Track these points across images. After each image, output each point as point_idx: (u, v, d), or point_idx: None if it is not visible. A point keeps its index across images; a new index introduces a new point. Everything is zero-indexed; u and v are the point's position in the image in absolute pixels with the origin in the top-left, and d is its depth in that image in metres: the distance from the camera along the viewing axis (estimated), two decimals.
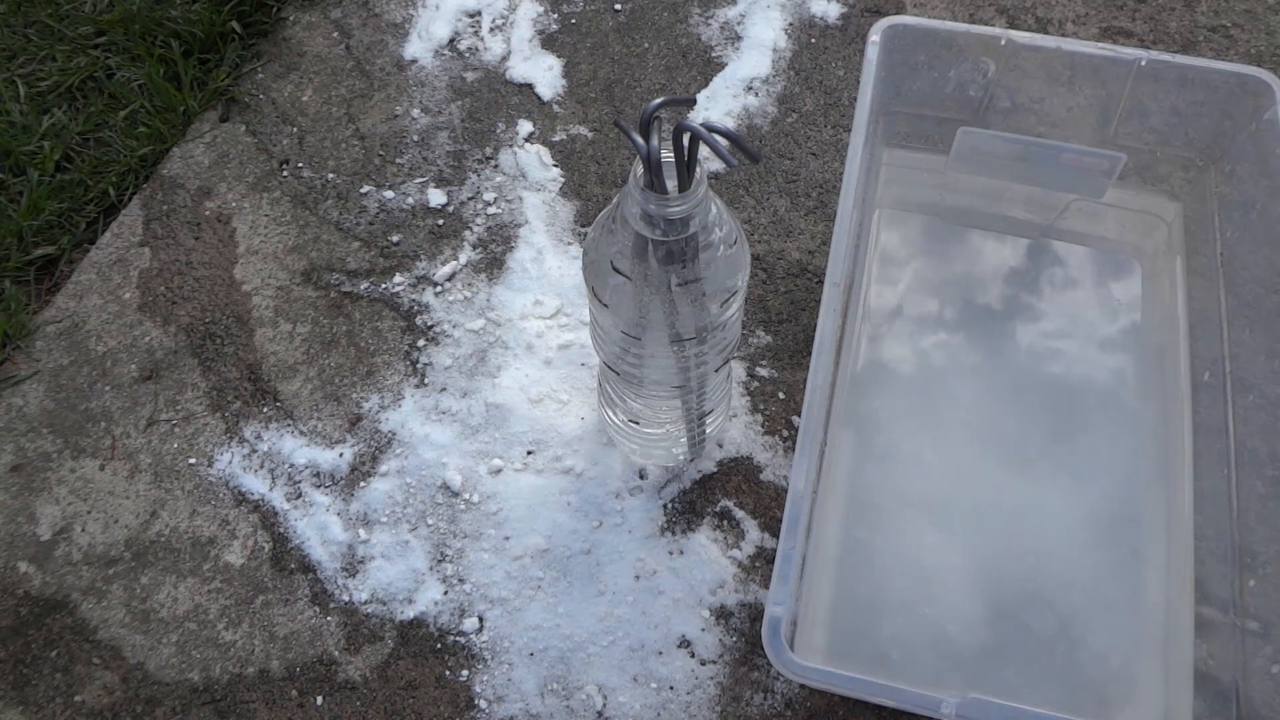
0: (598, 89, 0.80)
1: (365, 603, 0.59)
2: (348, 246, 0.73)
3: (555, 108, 0.80)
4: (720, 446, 0.63)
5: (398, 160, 0.77)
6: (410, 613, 0.59)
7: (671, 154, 0.40)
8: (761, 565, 0.60)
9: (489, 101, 0.80)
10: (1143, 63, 0.61)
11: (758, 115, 0.78)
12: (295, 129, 0.80)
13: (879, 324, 0.66)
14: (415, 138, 0.78)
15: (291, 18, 0.86)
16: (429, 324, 0.69)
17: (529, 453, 0.64)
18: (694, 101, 0.79)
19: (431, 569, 0.60)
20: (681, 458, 0.62)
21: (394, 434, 0.65)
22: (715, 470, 0.63)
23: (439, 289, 0.71)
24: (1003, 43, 0.62)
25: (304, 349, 0.69)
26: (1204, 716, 0.52)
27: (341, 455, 0.64)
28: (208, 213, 0.75)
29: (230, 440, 0.65)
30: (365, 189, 0.76)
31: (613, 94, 0.80)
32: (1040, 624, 0.56)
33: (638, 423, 0.58)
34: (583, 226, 0.73)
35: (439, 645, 0.58)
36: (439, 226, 0.74)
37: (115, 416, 0.67)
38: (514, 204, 0.74)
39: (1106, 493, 0.59)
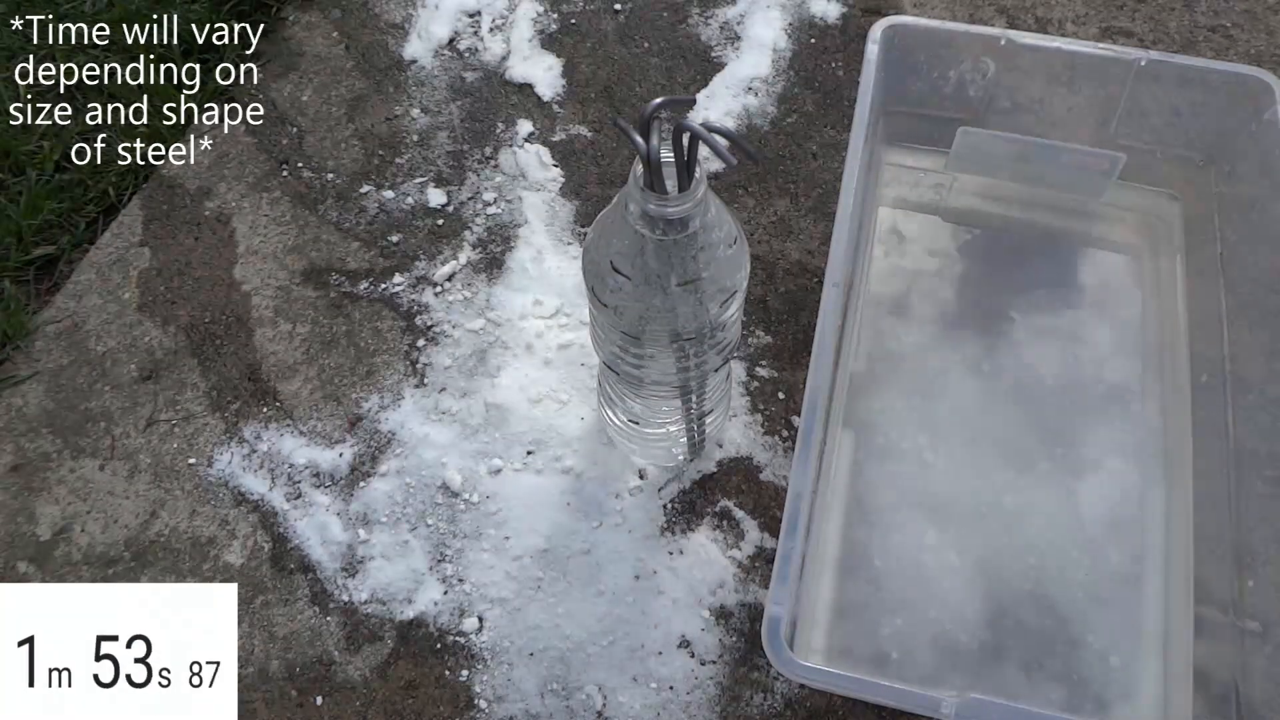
0: (597, 89, 0.80)
1: (365, 603, 0.59)
2: (347, 246, 0.73)
3: (555, 108, 0.80)
4: (720, 446, 0.63)
5: (397, 160, 0.77)
6: (410, 613, 0.59)
7: (671, 154, 0.40)
8: (761, 565, 0.60)
9: (489, 101, 0.80)
10: (1143, 63, 0.61)
11: (758, 115, 0.78)
12: (295, 129, 0.79)
13: (879, 324, 0.66)
14: (415, 138, 0.78)
15: (291, 17, 0.86)
16: (428, 324, 0.69)
17: (529, 453, 0.64)
18: (694, 101, 0.79)
19: (431, 569, 0.60)
20: (681, 458, 0.62)
21: (394, 434, 0.65)
22: (715, 470, 0.63)
23: (439, 289, 0.71)
24: (1003, 43, 0.62)
25: (304, 349, 0.69)
26: (1203, 716, 0.52)
27: (341, 455, 0.64)
28: (207, 213, 0.75)
29: (230, 440, 0.65)
30: (365, 189, 0.76)
31: (613, 94, 0.80)
32: (1040, 624, 0.56)
33: (638, 423, 0.58)
34: (582, 226, 0.73)
35: (439, 645, 0.58)
36: (438, 226, 0.74)
37: (115, 416, 0.67)
38: (514, 204, 0.74)
39: (1106, 493, 0.59)
